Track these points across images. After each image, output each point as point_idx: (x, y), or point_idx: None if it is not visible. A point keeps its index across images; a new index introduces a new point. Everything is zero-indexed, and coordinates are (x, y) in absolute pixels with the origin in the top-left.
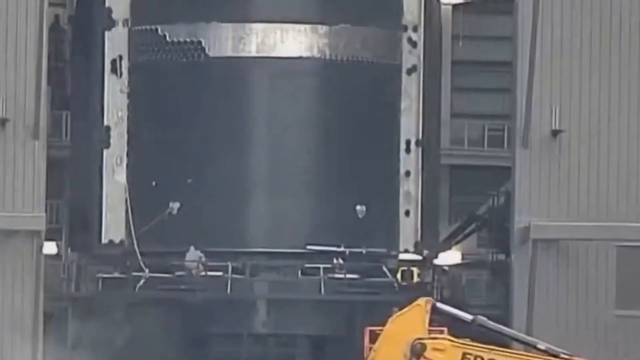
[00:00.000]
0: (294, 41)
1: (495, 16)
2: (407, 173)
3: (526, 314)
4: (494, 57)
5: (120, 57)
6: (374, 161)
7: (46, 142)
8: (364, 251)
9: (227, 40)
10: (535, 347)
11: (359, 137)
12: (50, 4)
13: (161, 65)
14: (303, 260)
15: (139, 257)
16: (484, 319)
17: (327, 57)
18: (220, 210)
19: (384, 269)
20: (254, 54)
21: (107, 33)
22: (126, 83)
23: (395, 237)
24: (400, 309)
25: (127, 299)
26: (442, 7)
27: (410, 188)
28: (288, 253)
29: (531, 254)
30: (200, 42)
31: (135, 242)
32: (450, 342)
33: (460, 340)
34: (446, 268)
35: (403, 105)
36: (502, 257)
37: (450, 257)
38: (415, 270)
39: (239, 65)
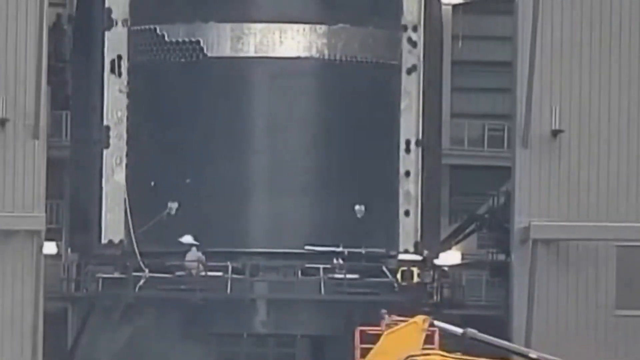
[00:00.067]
0: (292, 41)
1: (495, 16)
2: (407, 173)
3: (526, 314)
4: (494, 57)
5: (120, 57)
6: (374, 161)
7: (46, 142)
8: (363, 251)
9: (225, 40)
10: (527, 357)
11: (359, 137)
12: (50, 4)
13: (160, 65)
14: (303, 260)
15: (139, 257)
16: (474, 331)
17: (326, 57)
18: (220, 211)
19: (384, 269)
20: (252, 54)
21: (106, 33)
22: (125, 83)
23: (395, 237)
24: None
25: (127, 299)
26: (442, 7)
27: (410, 188)
28: (288, 253)
29: (531, 254)
30: (198, 42)
31: (134, 242)
32: (441, 357)
33: (452, 355)
34: (446, 268)
35: (403, 105)
36: (502, 257)
37: (450, 257)
38: (415, 270)
39: (238, 66)
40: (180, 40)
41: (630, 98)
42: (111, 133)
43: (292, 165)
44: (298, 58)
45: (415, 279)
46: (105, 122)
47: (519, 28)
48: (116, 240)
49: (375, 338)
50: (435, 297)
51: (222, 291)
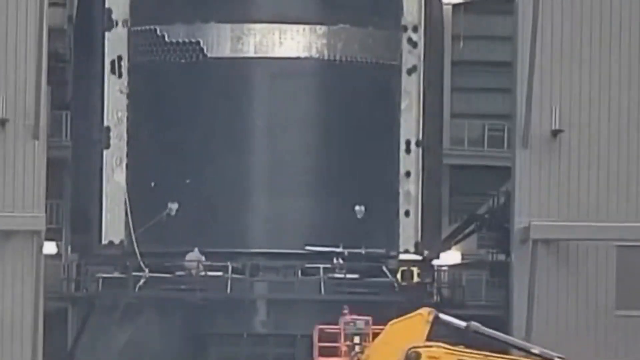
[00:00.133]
0: (292, 41)
1: (495, 16)
2: (407, 173)
3: (526, 314)
4: (494, 57)
5: (120, 58)
6: (374, 161)
7: (46, 142)
8: (363, 251)
9: (225, 40)
10: (529, 352)
11: (359, 138)
12: (50, 4)
13: (160, 66)
14: (303, 260)
15: (139, 257)
16: (478, 325)
17: (326, 57)
18: (220, 211)
19: (384, 269)
20: (252, 54)
21: (107, 34)
22: (126, 84)
23: (395, 237)
24: (401, 313)
25: (127, 299)
26: (443, 7)
27: (410, 188)
28: (288, 253)
29: (531, 254)
30: (198, 43)
31: (134, 242)
32: (444, 350)
33: (455, 348)
34: (446, 268)
35: (403, 105)
36: (502, 257)
37: (450, 257)
38: (415, 270)
39: (238, 66)
40: (180, 40)
41: (630, 98)
42: (111, 133)
43: (292, 166)
44: (298, 58)
45: (416, 279)
46: (105, 123)
47: (519, 28)
48: (116, 241)
49: (334, 336)
50: (435, 297)
51: (222, 291)
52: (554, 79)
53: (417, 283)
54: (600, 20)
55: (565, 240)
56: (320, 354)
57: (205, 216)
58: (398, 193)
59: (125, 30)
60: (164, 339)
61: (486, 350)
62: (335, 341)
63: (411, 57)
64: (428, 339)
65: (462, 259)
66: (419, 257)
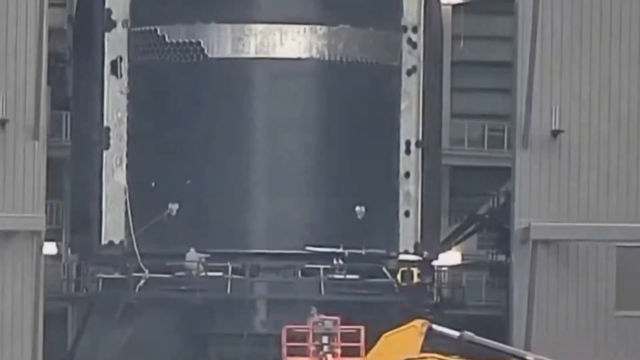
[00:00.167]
0: (293, 42)
1: (495, 16)
2: (407, 174)
3: (526, 314)
4: (494, 57)
5: (120, 58)
6: (374, 162)
7: (46, 142)
8: (363, 252)
9: (226, 41)
10: (524, 359)
11: (359, 138)
12: (50, 4)
13: (161, 66)
14: (303, 261)
15: (139, 257)
16: (471, 334)
17: (326, 58)
18: (220, 211)
19: (384, 269)
20: (253, 54)
21: (106, 34)
22: (126, 84)
23: (395, 238)
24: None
25: (127, 300)
26: (443, 7)
27: (410, 189)
28: (288, 254)
29: (531, 255)
30: (199, 43)
31: (134, 242)
32: None
33: (449, 358)
34: (446, 269)
35: (403, 106)
36: (502, 257)
37: (450, 258)
38: (415, 271)
39: (238, 66)
40: (181, 41)
41: (630, 98)
42: (111, 134)
43: (292, 166)
44: (299, 59)
45: (415, 279)
46: (105, 123)
47: (519, 28)
48: (117, 241)
49: (302, 336)
50: (435, 298)
51: (222, 291)
52: (554, 79)
53: (417, 284)
54: (600, 20)
55: (565, 241)
56: (289, 354)
57: (206, 216)
58: (398, 194)
59: (125, 30)
60: (164, 339)
61: (482, 359)
62: (304, 341)
63: (411, 58)
64: (422, 350)
65: (462, 259)
66: (418, 258)
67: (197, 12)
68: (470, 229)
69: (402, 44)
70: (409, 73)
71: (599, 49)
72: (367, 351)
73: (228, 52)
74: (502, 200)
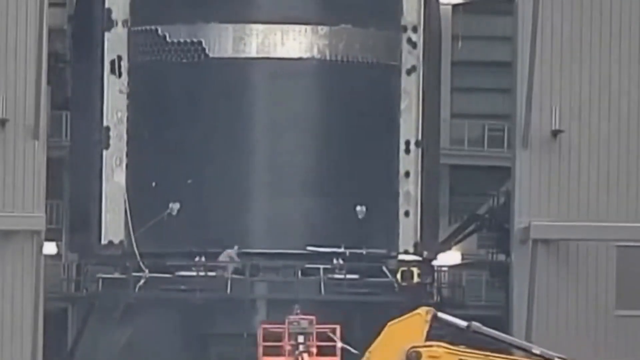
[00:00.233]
0: (294, 42)
1: (495, 16)
2: (407, 173)
3: (526, 314)
4: (494, 57)
5: (120, 58)
6: (374, 162)
7: (46, 142)
8: (364, 252)
9: (227, 40)
10: (530, 352)
11: (359, 138)
12: (50, 4)
13: (161, 66)
14: (303, 260)
15: (138, 257)
16: (479, 325)
17: (327, 57)
18: (221, 211)
19: (384, 269)
20: (254, 54)
21: (106, 34)
22: (126, 84)
23: (395, 237)
24: (401, 313)
25: (127, 300)
26: (442, 7)
27: (410, 188)
28: (288, 254)
29: (531, 254)
30: (200, 43)
31: (134, 242)
32: (445, 350)
33: (456, 347)
34: (446, 268)
35: (403, 105)
36: (502, 257)
37: (450, 258)
38: (415, 270)
39: (240, 66)
40: (182, 40)
41: (630, 98)
42: (111, 134)
43: (293, 166)
44: (300, 59)
45: (415, 279)
46: (105, 123)
47: (519, 28)
48: (116, 241)
49: (278, 335)
50: (435, 298)
51: (222, 291)
52: (554, 79)
53: (417, 283)
54: (600, 20)
55: (565, 240)
56: (265, 354)
57: (206, 216)
58: (398, 193)
59: (125, 30)
60: (164, 339)
61: (487, 350)
62: (280, 340)
63: (411, 58)
64: (427, 338)
65: (462, 259)
66: (418, 258)
67: (198, 12)
68: (470, 228)
69: (402, 44)
70: (408, 73)
71: (599, 49)
72: (369, 345)
73: (229, 52)
74: (502, 200)
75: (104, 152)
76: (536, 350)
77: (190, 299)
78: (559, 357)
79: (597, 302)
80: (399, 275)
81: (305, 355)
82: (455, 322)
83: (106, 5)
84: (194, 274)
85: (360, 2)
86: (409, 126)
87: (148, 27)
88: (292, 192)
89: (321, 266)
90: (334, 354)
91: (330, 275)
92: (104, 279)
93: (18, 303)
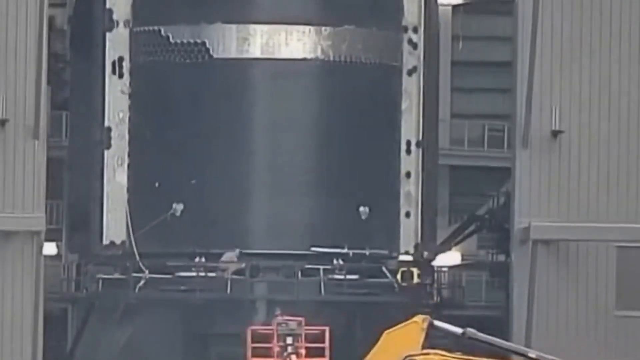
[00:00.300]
0: (298, 42)
1: (495, 16)
2: (408, 174)
3: (526, 314)
4: (494, 57)
5: (121, 58)
6: (375, 162)
7: (46, 142)
8: (367, 252)
9: (231, 41)
10: (527, 356)
11: (361, 138)
12: (50, 4)
13: (164, 66)
14: (304, 261)
15: (138, 258)
16: (474, 331)
17: (331, 58)
18: (222, 211)
19: (384, 270)
20: (258, 55)
21: (107, 34)
22: (127, 84)
23: (396, 238)
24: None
25: (127, 300)
26: (443, 7)
27: (410, 189)
28: (288, 254)
29: (531, 255)
30: (204, 43)
31: (134, 243)
32: (441, 357)
33: (451, 355)
34: (446, 269)
35: (403, 106)
36: (502, 257)
37: (450, 258)
38: (415, 271)
39: (244, 67)
40: (185, 41)
41: (630, 98)
42: (112, 134)
43: (297, 166)
44: (304, 59)
45: (415, 279)
46: (106, 123)
47: (519, 28)
48: (118, 242)
49: (266, 337)
50: (435, 298)
51: (222, 291)
52: (554, 79)
53: (417, 284)
54: (600, 20)
55: (565, 241)
56: (253, 355)
57: (208, 216)
58: (399, 194)
59: (127, 30)
60: (164, 339)
61: (484, 356)
62: (269, 342)
63: (411, 58)
64: (424, 346)
65: (462, 259)
66: (419, 258)
67: (202, 13)
68: (470, 229)
69: (403, 45)
70: (409, 73)
71: (599, 49)
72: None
73: (233, 53)
74: (502, 200)
75: (105, 152)
76: (533, 355)
77: (190, 299)
78: None
79: (597, 302)
80: (399, 276)
81: (293, 356)
82: (451, 330)
83: (107, 6)
84: (194, 274)
85: (362, 2)
86: (410, 126)
87: (151, 28)
88: (294, 192)
89: (321, 267)
90: (323, 355)
91: (330, 276)
92: (104, 279)
93: (18, 303)
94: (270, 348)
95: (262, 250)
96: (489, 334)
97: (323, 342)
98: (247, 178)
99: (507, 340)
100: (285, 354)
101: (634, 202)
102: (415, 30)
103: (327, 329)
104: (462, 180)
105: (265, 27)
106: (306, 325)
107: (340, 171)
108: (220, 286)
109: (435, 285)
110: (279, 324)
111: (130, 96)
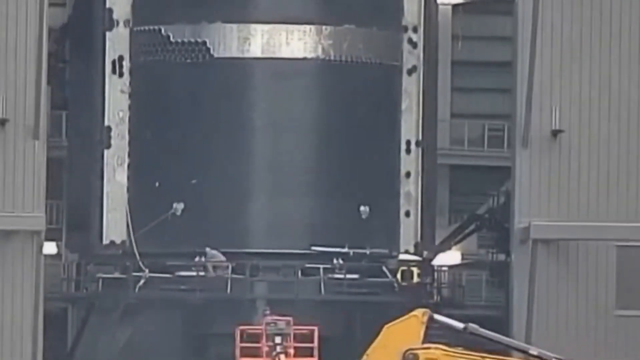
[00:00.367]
0: (299, 42)
1: (495, 16)
2: (408, 174)
3: (526, 314)
4: (494, 57)
5: (121, 58)
6: (376, 162)
7: (46, 142)
8: (368, 252)
9: (232, 40)
10: (527, 353)
11: (361, 138)
12: (50, 4)
13: (165, 66)
14: (304, 260)
15: (138, 257)
16: (476, 326)
17: (332, 58)
18: (222, 211)
19: (384, 269)
20: (259, 54)
21: (107, 34)
22: (127, 84)
23: (396, 238)
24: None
25: (127, 300)
26: (443, 7)
27: (410, 189)
28: (288, 253)
29: (531, 254)
30: (205, 43)
31: (134, 242)
32: (442, 352)
33: (453, 349)
34: (446, 268)
35: (403, 105)
36: (502, 257)
37: (450, 258)
38: (415, 270)
39: (244, 66)
40: (185, 40)
41: (630, 98)
42: (112, 133)
43: (295, 166)
44: (305, 59)
45: (415, 279)
46: (106, 123)
47: (519, 28)
48: (118, 241)
49: (256, 337)
50: (435, 298)
51: (222, 291)
52: (554, 79)
53: (417, 283)
54: (600, 20)
55: (565, 240)
56: (242, 355)
57: (207, 216)
58: (399, 193)
59: (127, 30)
60: (164, 339)
61: (485, 352)
62: (257, 342)
63: (411, 58)
64: (424, 340)
65: (462, 259)
66: (418, 258)
67: (203, 12)
68: (470, 228)
69: (403, 44)
70: (409, 73)
71: (599, 49)
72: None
73: (233, 52)
74: (502, 199)
75: (105, 152)
76: (534, 352)
77: (190, 299)
78: (556, 358)
79: (597, 302)
80: (399, 275)
81: (282, 356)
82: (452, 324)
83: (107, 5)
84: (194, 274)
85: (362, 2)
86: (410, 126)
87: (151, 27)
88: (294, 192)
89: (321, 266)
90: (312, 355)
91: (330, 275)
92: (104, 279)
93: (18, 303)
94: (259, 347)
95: (262, 250)
96: None
97: (312, 341)
98: (247, 178)
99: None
100: (274, 353)
101: (634, 202)
102: (415, 29)
103: (315, 328)
104: (462, 179)
105: (266, 27)
106: (300, 324)
107: (340, 171)
108: (220, 286)
109: (435, 284)
110: (267, 324)
111: (130, 96)
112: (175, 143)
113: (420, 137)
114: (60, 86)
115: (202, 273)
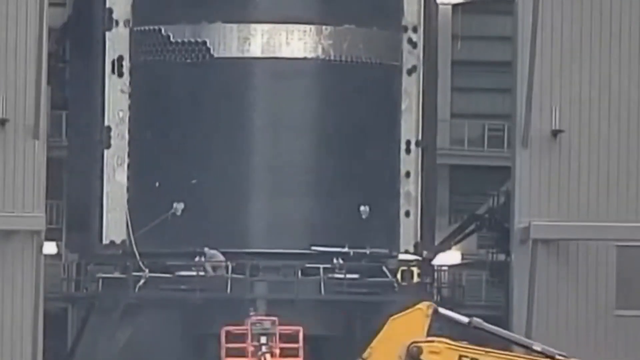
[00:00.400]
0: (299, 42)
1: (495, 16)
2: (407, 174)
3: (526, 314)
4: (494, 57)
5: (121, 58)
6: (375, 162)
7: (46, 142)
8: (368, 252)
9: (232, 40)
10: (531, 349)
11: (361, 138)
12: (50, 4)
13: (165, 66)
14: (304, 260)
15: (138, 257)
16: (480, 321)
17: (332, 57)
18: (222, 211)
19: (384, 269)
20: (259, 54)
21: (107, 33)
22: (127, 83)
23: (396, 237)
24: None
25: (127, 299)
26: (443, 7)
27: (410, 189)
28: (288, 253)
29: (531, 254)
30: (205, 43)
31: (134, 242)
32: (446, 345)
33: (457, 343)
34: (446, 268)
35: (403, 105)
36: (502, 257)
37: (450, 257)
38: (415, 270)
39: (244, 66)
40: (186, 40)
41: (630, 98)
42: (112, 133)
43: (296, 166)
44: (305, 59)
45: (415, 279)
46: (106, 123)
47: (519, 28)
48: (118, 241)
49: (241, 338)
50: (435, 297)
51: (222, 291)
52: (554, 79)
53: (417, 283)
54: (600, 20)
55: (565, 240)
56: (227, 355)
57: (207, 216)
58: (399, 193)
59: (127, 30)
60: (164, 339)
61: (488, 347)
62: (242, 342)
63: (411, 58)
64: (429, 334)
65: (462, 259)
66: (418, 257)
67: (203, 12)
68: (470, 228)
69: (403, 44)
70: (409, 73)
71: (599, 49)
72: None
73: (234, 52)
74: (502, 199)
75: (105, 152)
76: (537, 347)
77: (190, 299)
78: (559, 355)
79: (597, 302)
80: (399, 275)
81: (267, 355)
82: (457, 318)
83: (107, 5)
84: (194, 273)
85: (362, 2)
86: (410, 126)
87: (151, 27)
88: (294, 192)
89: (321, 266)
90: (297, 355)
91: (330, 275)
92: (104, 279)
93: (18, 303)
94: (244, 348)
95: (262, 250)
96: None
97: (297, 342)
98: (247, 178)
99: None
100: (259, 353)
101: (634, 202)
102: (415, 29)
103: (300, 328)
104: (462, 179)
105: (266, 27)
106: (285, 324)
107: (340, 171)
108: (220, 286)
109: (435, 284)
110: (252, 324)
111: (130, 95)
112: (175, 143)
113: (420, 137)
114: (60, 86)
115: (202, 273)
